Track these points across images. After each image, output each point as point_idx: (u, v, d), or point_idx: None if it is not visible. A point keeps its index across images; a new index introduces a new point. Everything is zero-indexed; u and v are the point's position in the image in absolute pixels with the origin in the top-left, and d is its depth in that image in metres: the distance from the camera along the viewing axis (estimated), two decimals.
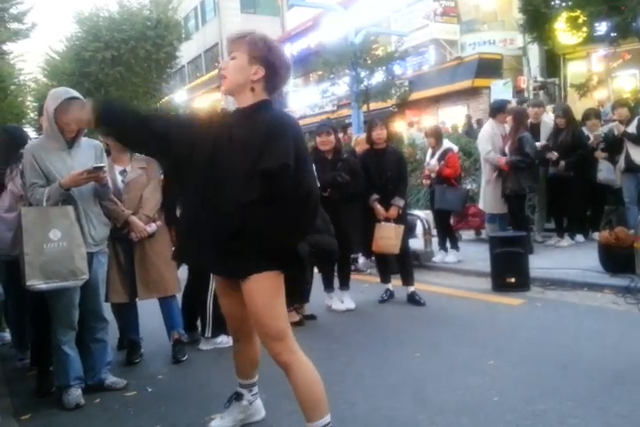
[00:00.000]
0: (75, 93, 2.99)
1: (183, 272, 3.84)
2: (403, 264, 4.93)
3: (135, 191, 3.66)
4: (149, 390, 3.23)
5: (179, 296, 3.87)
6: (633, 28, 6.76)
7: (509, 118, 6.20)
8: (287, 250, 2.19)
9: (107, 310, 3.64)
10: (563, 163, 6.25)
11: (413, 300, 4.78)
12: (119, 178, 3.67)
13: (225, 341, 3.90)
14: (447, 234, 6.26)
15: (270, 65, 2.17)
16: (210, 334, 3.87)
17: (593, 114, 6.76)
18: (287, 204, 2.07)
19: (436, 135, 6.22)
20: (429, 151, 6.37)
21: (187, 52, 24.66)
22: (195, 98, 27.34)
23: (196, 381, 3.34)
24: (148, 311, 3.90)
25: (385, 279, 5.01)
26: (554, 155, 6.29)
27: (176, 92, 25.74)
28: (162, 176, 4.14)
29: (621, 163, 6.24)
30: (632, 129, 6.09)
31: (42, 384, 3.27)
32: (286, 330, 2.23)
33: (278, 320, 2.22)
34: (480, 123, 11.61)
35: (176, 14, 21.35)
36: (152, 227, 3.61)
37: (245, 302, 2.20)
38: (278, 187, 2.04)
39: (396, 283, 5.00)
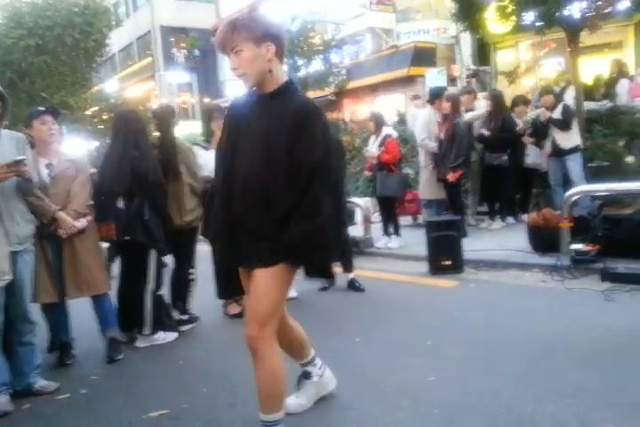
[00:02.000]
0: None
1: (116, 269, 3.74)
2: (342, 251, 4.96)
3: (63, 186, 3.50)
4: (83, 391, 3.12)
5: (112, 294, 3.75)
6: (557, 17, 7.00)
7: (448, 105, 6.28)
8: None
9: (35, 312, 3.50)
10: (505, 156, 6.46)
11: (353, 286, 4.84)
12: (45, 172, 3.49)
13: (162, 337, 3.83)
14: (391, 220, 6.34)
15: (273, 35, 2.11)
16: (148, 332, 3.77)
17: (521, 100, 7.02)
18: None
19: (377, 121, 6.26)
20: (372, 138, 6.39)
21: (117, 39, 23.68)
22: (127, 87, 26.39)
23: (134, 379, 3.26)
24: (80, 311, 3.76)
25: None
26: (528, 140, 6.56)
27: (107, 81, 24.75)
28: (93, 169, 3.99)
29: (547, 147, 6.53)
30: (557, 115, 6.37)
31: None
32: (273, 319, 2.21)
33: (271, 306, 2.19)
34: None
35: (105, 0, 20.45)
36: (82, 222, 3.47)
37: (253, 282, 2.19)
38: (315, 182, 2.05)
39: (336, 270, 5.04)
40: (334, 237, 2.11)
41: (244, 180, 2.14)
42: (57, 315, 3.60)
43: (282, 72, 2.19)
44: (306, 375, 2.65)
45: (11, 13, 18.12)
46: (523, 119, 6.75)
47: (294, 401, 2.61)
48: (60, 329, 3.63)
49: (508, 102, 7.18)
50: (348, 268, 4.93)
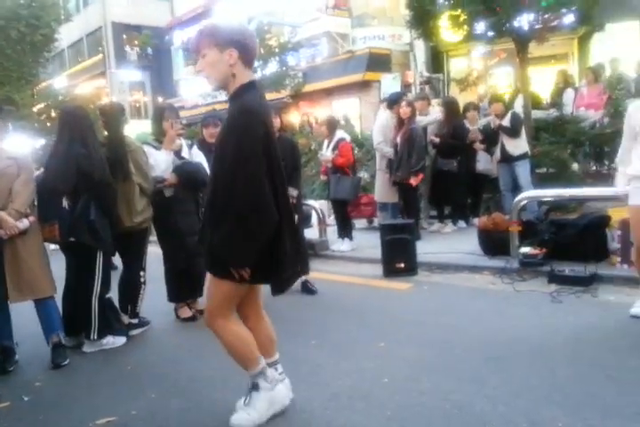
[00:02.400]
0: None
1: (60, 271, 3.59)
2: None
3: (4, 184, 3.35)
4: (26, 398, 2.97)
5: (57, 298, 3.59)
6: (507, 28, 7.23)
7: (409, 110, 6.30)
8: None
9: None
10: (455, 163, 6.60)
11: (306, 288, 4.84)
12: None
13: (111, 341, 3.71)
14: (345, 222, 6.36)
15: (236, 42, 2.22)
16: (96, 336, 3.63)
17: (472, 106, 7.20)
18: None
19: (330, 125, 6.27)
20: (325, 142, 6.40)
21: (67, 35, 22.90)
22: (77, 84, 25.56)
23: (80, 385, 3.13)
24: (23, 314, 3.59)
25: None
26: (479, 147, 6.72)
27: (55, 77, 23.90)
28: (42, 169, 3.83)
29: (497, 154, 6.71)
30: (506, 122, 6.56)
31: None
32: (220, 310, 2.43)
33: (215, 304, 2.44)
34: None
35: None
36: (24, 223, 3.32)
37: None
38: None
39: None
40: (238, 251, 2.20)
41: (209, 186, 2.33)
42: None
43: (245, 76, 2.28)
44: (254, 387, 2.50)
45: None
46: (474, 126, 6.92)
47: (245, 419, 2.45)
48: (1, 334, 3.45)
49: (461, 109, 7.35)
50: (302, 270, 4.90)
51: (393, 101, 6.67)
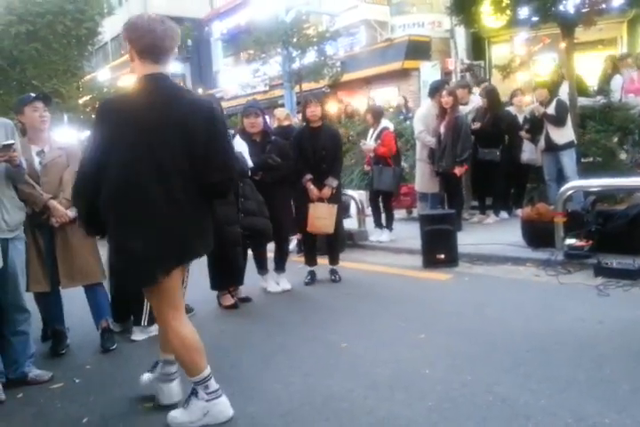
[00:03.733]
0: None
1: None
2: (331, 244, 4.99)
3: (54, 173, 3.46)
4: (77, 381, 3.10)
5: (106, 284, 3.71)
6: (553, 12, 7.00)
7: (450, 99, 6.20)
8: None
9: (29, 300, 3.47)
10: (497, 152, 6.46)
11: (331, 277, 4.95)
12: (36, 159, 3.44)
13: (157, 328, 3.79)
14: (386, 213, 6.32)
15: (128, 39, 2.37)
16: (146, 323, 3.73)
17: (520, 92, 6.99)
18: None
19: (375, 113, 6.21)
20: (370, 131, 6.34)
21: (110, 28, 23.36)
22: (120, 77, 26.12)
23: (128, 369, 3.24)
24: (75, 300, 3.73)
25: (310, 262, 5.01)
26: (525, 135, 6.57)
27: (99, 70, 24.49)
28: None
29: (542, 143, 6.54)
30: (551, 110, 6.38)
31: None
32: (161, 312, 2.45)
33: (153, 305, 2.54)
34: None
35: None
36: (74, 211, 3.43)
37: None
38: None
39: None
40: (118, 263, 2.37)
41: None
42: (50, 304, 3.57)
43: (140, 69, 2.37)
44: (194, 393, 2.48)
45: None
46: (521, 113, 6.75)
47: (178, 419, 2.46)
48: (53, 318, 3.60)
49: (503, 97, 7.18)
50: (334, 261, 5.01)
51: (434, 90, 6.56)
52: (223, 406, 2.48)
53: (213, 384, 2.48)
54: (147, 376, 2.77)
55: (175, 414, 2.48)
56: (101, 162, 2.29)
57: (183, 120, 2.28)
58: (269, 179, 4.45)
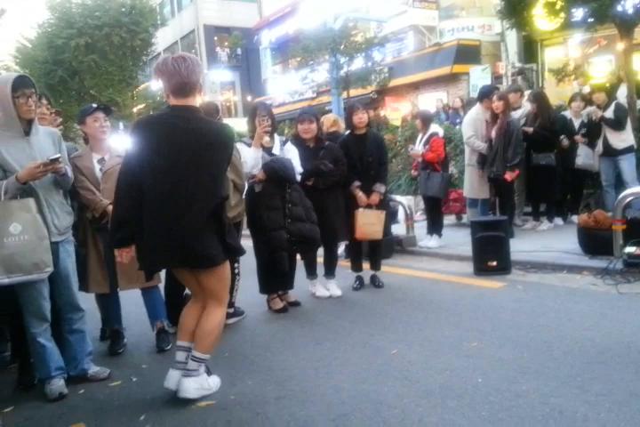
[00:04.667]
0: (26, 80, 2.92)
1: None
2: (374, 250, 4.98)
3: (113, 180, 3.55)
4: (134, 379, 3.21)
5: (161, 286, 3.82)
6: (610, 13, 6.79)
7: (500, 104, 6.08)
8: None
9: (85, 300, 3.61)
10: (552, 156, 6.29)
11: (373, 282, 4.97)
12: (97, 167, 3.60)
13: None
14: (435, 219, 6.26)
15: (162, 81, 2.70)
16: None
17: (579, 96, 6.78)
18: None
19: (424, 118, 6.17)
20: (419, 136, 6.29)
21: (162, 38, 24.21)
22: None
23: None
24: (132, 301, 3.86)
25: (357, 267, 5.01)
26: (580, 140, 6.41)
27: (152, 79, 25.32)
28: None
29: (599, 147, 6.33)
30: (609, 114, 6.17)
31: (24, 377, 3.22)
32: None
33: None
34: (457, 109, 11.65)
35: (151, 0, 20.94)
36: None
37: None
38: None
39: (385, 269, 5.17)
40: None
41: None
42: (109, 304, 3.71)
43: (174, 103, 2.72)
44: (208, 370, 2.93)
45: (61, 13, 18.77)
46: (578, 118, 6.55)
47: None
48: (111, 318, 3.74)
49: (554, 101, 6.99)
50: (376, 266, 5.02)
51: (484, 95, 6.46)
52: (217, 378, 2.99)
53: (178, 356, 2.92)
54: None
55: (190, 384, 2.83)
56: (138, 175, 2.66)
57: (208, 146, 2.69)
58: (322, 185, 4.48)
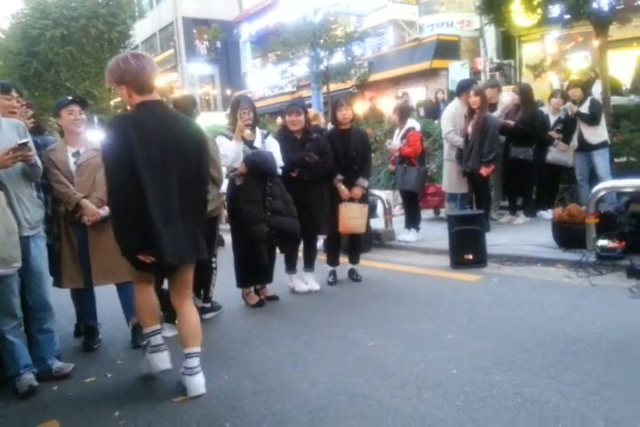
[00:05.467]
0: None
1: None
2: (354, 244, 5.00)
3: (88, 174, 3.55)
4: (109, 375, 3.18)
5: None
6: (585, 10, 6.87)
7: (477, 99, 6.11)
8: None
9: (60, 295, 3.57)
10: (530, 151, 6.36)
11: (351, 276, 5.00)
12: (72, 160, 3.54)
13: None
14: (412, 213, 6.29)
15: (123, 82, 2.68)
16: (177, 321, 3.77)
17: (559, 93, 6.85)
18: None
19: (401, 113, 6.16)
20: (396, 131, 6.29)
21: (140, 31, 23.85)
22: None
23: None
24: (107, 296, 3.81)
25: (333, 262, 5.01)
26: (555, 135, 6.46)
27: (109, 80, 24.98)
28: None
29: (574, 142, 6.42)
30: (584, 109, 6.25)
31: None
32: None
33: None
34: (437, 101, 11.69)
35: None
36: (105, 210, 3.50)
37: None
38: None
39: (363, 264, 5.19)
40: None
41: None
42: (84, 300, 3.66)
43: (139, 100, 2.71)
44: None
45: (36, 4, 18.36)
46: (555, 114, 6.62)
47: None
48: (86, 314, 3.70)
49: (536, 96, 7.06)
50: (355, 260, 5.06)
51: (462, 89, 6.49)
52: (160, 360, 2.94)
53: (157, 340, 2.96)
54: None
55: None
56: (130, 178, 2.59)
57: (186, 139, 2.74)
58: (307, 177, 4.48)
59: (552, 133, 6.56)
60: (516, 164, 6.43)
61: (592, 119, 6.20)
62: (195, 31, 27.73)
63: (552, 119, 6.68)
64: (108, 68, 2.73)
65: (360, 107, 12.68)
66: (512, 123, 6.38)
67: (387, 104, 14.40)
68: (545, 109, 6.81)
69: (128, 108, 2.82)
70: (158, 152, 2.65)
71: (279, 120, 6.74)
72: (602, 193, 4.92)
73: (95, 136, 4.80)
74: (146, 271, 2.83)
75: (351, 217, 4.70)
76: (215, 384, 2.93)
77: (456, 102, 6.53)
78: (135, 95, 2.70)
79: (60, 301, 3.78)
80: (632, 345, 3.02)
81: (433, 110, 11.13)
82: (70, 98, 3.61)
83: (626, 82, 8.90)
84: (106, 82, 2.82)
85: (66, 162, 3.51)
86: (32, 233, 3.00)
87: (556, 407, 2.42)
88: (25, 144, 2.80)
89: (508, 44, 14.53)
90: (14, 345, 2.94)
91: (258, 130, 4.37)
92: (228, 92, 25.18)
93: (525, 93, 6.59)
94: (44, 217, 3.39)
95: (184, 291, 2.91)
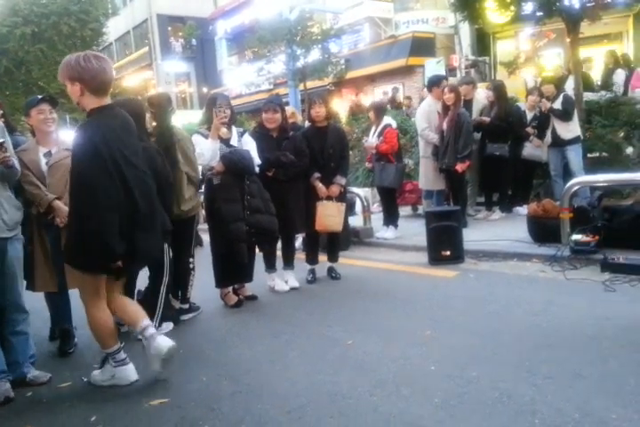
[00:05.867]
0: None
1: None
2: (332, 242, 5.01)
3: (60, 174, 3.47)
4: (85, 379, 3.11)
5: None
6: (557, 7, 6.96)
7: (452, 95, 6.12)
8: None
9: (34, 298, 3.50)
10: (506, 147, 6.43)
11: (330, 274, 5.00)
12: (43, 160, 3.47)
13: (165, 327, 3.82)
14: (391, 210, 6.31)
15: (79, 79, 2.67)
16: (157, 324, 3.70)
17: (537, 91, 6.92)
18: None
19: (377, 110, 6.16)
20: (372, 128, 6.29)
21: (114, 28, 23.46)
22: (124, 76, 26.21)
23: (135, 368, 3.24)
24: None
25: (312, 260, 5.00)
26: (531, 131, 6.53)
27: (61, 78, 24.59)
28: None
29: (548, 138, 6.51)
30: (557, 105, 6.35)
31: None
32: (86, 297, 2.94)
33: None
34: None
35: None
36: None
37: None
38: None
39: (342, 261, 5.20)
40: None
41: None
42: (59, 303, 3.60)
43: (92, 102, 2.73)
44: (106, 359, 3.01)
45: (5, 0, 17.92)
46: (531, 111, 6.70)
47: (96, 375, 3.03)
48: (61, 317, 3.63)
49: (510, 93, 7.14)
50: (334, 258, 5.06)
51: (432, 83, 6.53)
52: (128, 372, 2.99)
53: (121, 356, 2.99)
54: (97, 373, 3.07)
55: (95, 373, 3.04)
56: (111, 179, 2.64)
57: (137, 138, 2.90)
58: (283, 176, 4.46)
59: (528, 129, 6.64)
60: (493, 160, 6.50)
61: (565, 115, 6.29)
62: (169, 28, 27.41)
63: (529, 116, 6.76)
64: (64, 62, 2.70)
65: (340, 104, 12.70)
66: (487, 119, 6.45)
67: (367, 101, 14.45)
68: (522, 105, 6.89)
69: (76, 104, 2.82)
70: (132, 154, 2.75)
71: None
72: (575, 188, 5.01)
73: (67, 136, 4.71)
74: (107, 274, 2.85)
75: (328, 215, 4.70)
76: (193, 386, 2.91)
77: (429, 99, 6.56)
78: (88, 95, 2.70)
79: (35, 304, 3.71)
80: (606, 338, 3.08)
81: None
82: (40, 97, 3.53)
83: (597, 78, 9.05)
84: (59, 76, 2.75)
85: (37, 162, 3.44)
86: (10, 235, 2.95)
87: (532, 401, 2.45)
88: (1, 144, 2.73)
89: (482, 41, 14.66)
90: None
91: (234, 128, 4.34)
92: (205, 89, 24.96)
93: (499, 90, 6.66)
94: None
95: (120, 287, 3.07)
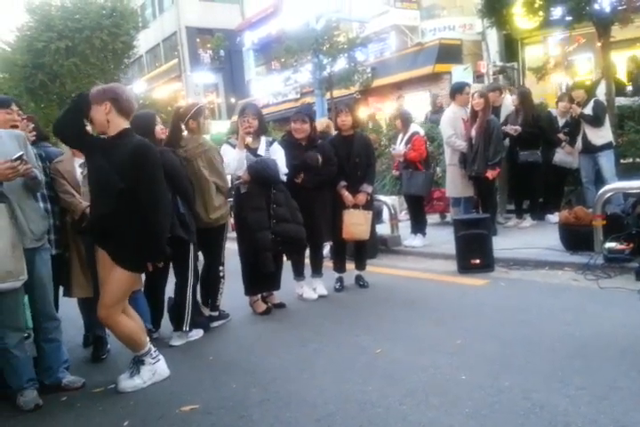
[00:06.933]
0: None
1: None
2: (359, 250, 5.00)
3: None
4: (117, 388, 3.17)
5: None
6: (587, 11, 6.87)
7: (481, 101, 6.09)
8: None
9: (69, 305, 3.58)
10: (538, 153, 6.35)
11: (358, 283, 4.98)
12: (79, 170, 3.59)
13: (195, 333, 3.87)
14: (418, 218, 6.28)
15: (115, 99, 2.95)
16: (187, 328, 3.78)
17: (567, 97, 6.82)
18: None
19: (404, 119, 6.18)
20: (400, 136, 6.30)
21: (144, 41, 24.00)
22: (154, 88, 26.75)
23: None
24: None
25: (340, 268, 5.01)
26: (563, 137, 6.44)
27: (135, 82, 25.14)
28: None
29: (579, 144, 6.40)
30: (588, 111, 6.24)
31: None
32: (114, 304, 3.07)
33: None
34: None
35: (132, 2, 20.76)
36: None
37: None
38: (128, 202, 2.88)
39: (370, 269, 5.19)
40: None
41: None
42: (92, 310, 3.65)
43: (118, 122, 2.98)
44: (140, 361, 3.13)
45: (41, 16, 18.52)
46: (563, 118, 6.60)
47: (131, 384, 3.08)
48: (94, 323, 3.69)
49: (537, 99, 7.05)
50: (361, 266, 5.05)
51: (455, 90, 6.49)
52: (164, 366, 3.20)
53: (154, 351, 3.19)
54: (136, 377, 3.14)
55: (127, 383, 3.09)
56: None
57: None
58: (310, 184, 4.49)
59: (560, 135, 6.53)
60: (524, 166, 6.41)
61: (595, 120, 6.18)
62: (198, 40, 27.90)
63: (560, 122, 6.66)
64: (109, 86, 3.02)
65: (366, 112, 12.71)
66: (517, 128, 6.36)
67: (389, 109, 14.45)
68: (554, 111, 6.79)
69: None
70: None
71: None
72: (608, 195, 4.90)
73: None
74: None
75: (354, 224, 4.70)
76: (223, 393, 2.94)
77: (453, 106, 6.52)
78: (114, 115, 2.95)
79: (69, 311, 3.81)
80: None
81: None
82: None
83: (629, 82, 8.87)
84: (97, 95, 2.96)
85: (72, 172, 3.56)
86: (37, 245, 3.00)
87: (565, 412, 2.40)
88: (20, 157, 2.78)
89: (510, 47, 14.51)
90: (18, 359, 2.93)
91: (263, 137, 4.38)
92: (233, 100, 25.28)
93: (524, 97, 6.58)
94: (54, 228, 3.43)
95: None
